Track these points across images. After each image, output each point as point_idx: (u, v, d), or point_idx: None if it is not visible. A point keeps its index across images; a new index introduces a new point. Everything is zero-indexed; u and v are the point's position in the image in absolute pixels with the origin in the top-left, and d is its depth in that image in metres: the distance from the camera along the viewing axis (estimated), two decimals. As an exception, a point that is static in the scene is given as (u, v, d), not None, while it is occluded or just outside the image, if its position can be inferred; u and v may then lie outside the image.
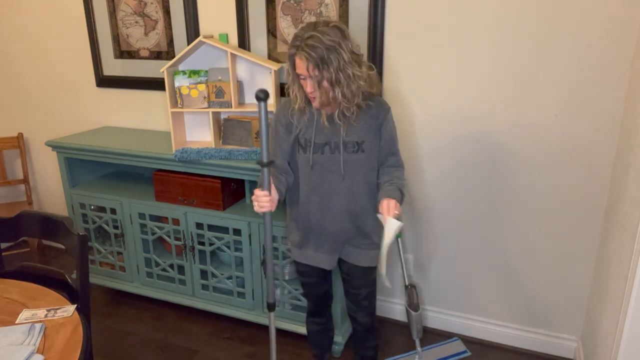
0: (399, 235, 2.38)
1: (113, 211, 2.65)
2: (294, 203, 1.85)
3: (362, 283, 1.88)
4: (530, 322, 2.37)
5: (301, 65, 1.56)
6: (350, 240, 1.82)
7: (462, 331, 2.51)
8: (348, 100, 1.60)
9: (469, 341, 2.46)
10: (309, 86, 1.59)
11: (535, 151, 2.12)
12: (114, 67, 2.87)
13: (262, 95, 1.47)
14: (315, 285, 1.96)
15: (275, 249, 2.35)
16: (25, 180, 3.28)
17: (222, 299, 2.56)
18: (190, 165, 2.37)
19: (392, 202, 1.63)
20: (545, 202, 2.17)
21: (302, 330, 2.39)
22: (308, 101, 1.69)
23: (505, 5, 2.00)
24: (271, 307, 1.74)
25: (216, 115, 2.41)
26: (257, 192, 1.60)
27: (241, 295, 2.51)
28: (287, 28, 2.39)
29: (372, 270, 1.89)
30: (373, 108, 1.70)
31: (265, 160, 1.52)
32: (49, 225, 1.83)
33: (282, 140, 1.76)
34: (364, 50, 2.25)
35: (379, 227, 1.74)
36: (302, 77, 1.60)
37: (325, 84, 1.57)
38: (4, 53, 3.19)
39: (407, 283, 2.39)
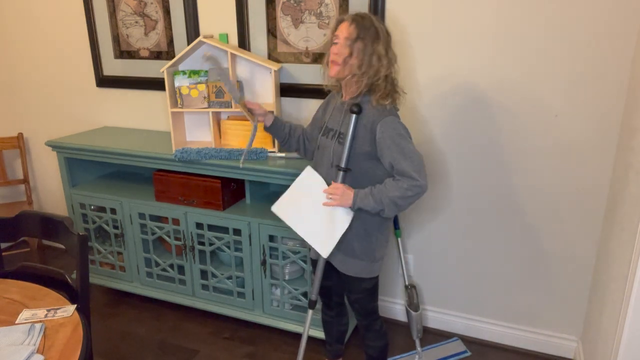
0: (398, 235, 2.39)
1: (113, 211, 2.65)
2: None
3: (350, 289, 1.89)
4: (530, 322, 2.37)
5: (345, 26, 1.66)
6: (339, 245, 1.78)
7: (462, 331, 2.51)
8: (362, 73, 1.66)
9: (469, 341, 2.46)
10: (337, 47, 1.67)
11: (535, 151, 2.12)
12: (114, 67, 2.88)
13: (356, 110, 1.68)
14: (319, 278, 1.93)
15: (275, 249, 2.35)
16: (25, 180, 3.28)
17: (222, 299, 2.56)
18: (190, 165, 2.37)
19: (340, 187, 1.70)
20: (545, 202, 2.17)
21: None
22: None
23: (505, 5, 2.00)
24: (312, 304, 1.93)
25: (216, 115, 2.41)
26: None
27: (241, 295, 2.51)
28: (287, 28, 2.39)
29: (361, 281, 1.83)
30: (373, 115, 1.68)
31: (343, 165, 1.72)
32: (49, 225, 1.83)
33: (317, 115, 1.98)
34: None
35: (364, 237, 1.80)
36: (335, 40, 1.69)
37: (354, 49, 1.65)
38: (4, 53, 3.19)
39: (407, 283, 2.40)
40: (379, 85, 1.68)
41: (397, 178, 1.64)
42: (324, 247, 1.77)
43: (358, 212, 1.74)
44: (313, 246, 1.80)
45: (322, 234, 1.76)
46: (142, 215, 2.59)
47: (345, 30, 1.66)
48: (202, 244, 2.52)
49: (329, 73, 1.74)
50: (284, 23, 2.39)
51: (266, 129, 2.02)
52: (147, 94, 2.85)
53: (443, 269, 2.46)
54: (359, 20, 1.66)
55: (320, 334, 2.31)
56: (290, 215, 1.83)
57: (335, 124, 1.79)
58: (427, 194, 2.36)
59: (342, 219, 1.74)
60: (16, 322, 1.43)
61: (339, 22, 1.70)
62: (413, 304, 2.33)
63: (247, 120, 2.40)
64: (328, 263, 1.89)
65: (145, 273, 2.70)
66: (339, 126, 1.77)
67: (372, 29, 1.65)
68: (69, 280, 1.76)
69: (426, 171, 1.66)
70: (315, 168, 1.85)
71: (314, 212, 1.77)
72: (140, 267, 2.70)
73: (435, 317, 2.55)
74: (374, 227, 1.78)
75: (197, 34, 2.58)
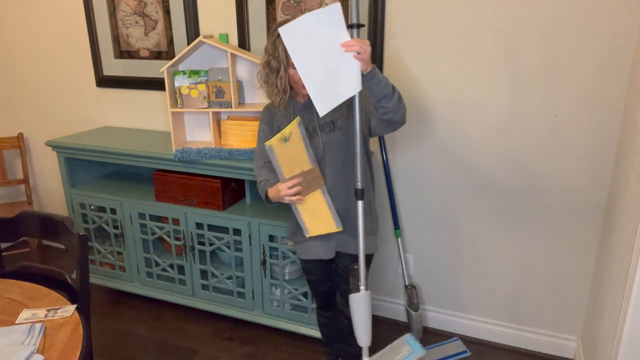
0: (398, 235, 2.39)
1: (113, 211, 2.65)
2: None
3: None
4: (530, 322, 2.37)
5: None
6: (346, 229, 1.82)
7: (462, 331, 2.51)
8: None
9: (469, 341, 2.46)
10: (296, 73, 1.60)
11: (535, 151, 2.12)
12: (114, 67, 2.87)
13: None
14: (319, 283, 1.98)
15: (275, 249, 2.35)
16: (25, 180, 3.28)
17: (222, 299, 2.56)
18: (190, 165, 2.37)
19: (366, 42, 1.50)
20: (545, 201, 2.17)
21: (303, 330, 2.39)
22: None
23: (505, 5, 2.00)
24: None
25: (216, 115, 2.42)
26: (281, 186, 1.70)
27: (241, 295, 2.51)
28: (287, 28, 2.39)
29: (366, 266, 1.89)
30: None
31: (359, 186, 1.64)
32: (49, 225, 1.83)
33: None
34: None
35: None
36: (294, 67, 1.61)
37: None
38: (4, 53, 3.19)
39: (407, 283, 2.40)
40: None
41: None
42: (324, 103, 1.55)
43: (369, 81, 1.55)
44: (313, 98, 1.54)
45: (326, 88, 1.55)
46: (142, 215, 2.59)
47: None
48: (202, 244, 2.52)
49: (304, 92, 1.68)
50: (284, 23, 2.39)
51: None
52: (147, 94, 2.85)
53: (443, 269, 2.46)
54: None
55: (319, 333, 2.30)
56: (298, 47, 1.52)
57: (306, 123, 1.75)
58: (427, 194, 2.37)
59: (351, 82, 1.52)
60: (16, 322, 1.43)
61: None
62: (413, 304, 2.33)
63: (247, 120, 2.40)
64: (325, 267, 1.89)
65: (145, 273, 2.70)
66: (314, 121, 1.75)
67: None
68: (69, 280, 1.76)
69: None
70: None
71: (326, 59, 1.51)
72: (140, 267, 2.70)
73: (435, 317, 2.55)
74: (372, 202, 1.89)
75: (197, 34, 2.58)
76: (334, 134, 1.75)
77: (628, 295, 1.58)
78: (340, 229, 1.79)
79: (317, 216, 1.78)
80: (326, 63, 1.52)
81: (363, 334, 1.70)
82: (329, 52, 1.51)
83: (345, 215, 1.81)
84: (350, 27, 1.52)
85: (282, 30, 1.50)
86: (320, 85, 1.54)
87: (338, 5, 1.48)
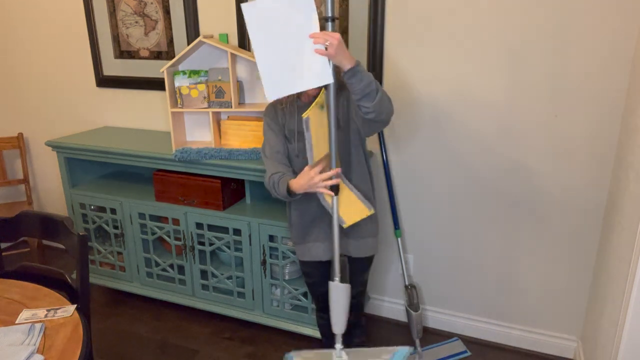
0: (398, 235, 2.39)
1: (113, 211, 2.65)
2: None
3: (354, 282, 1.89)
4: (530, 322, 2.37)
5: None
6: (347, 231, 1.81)
7: (462, 331, 2.51)
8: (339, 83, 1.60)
9: (469, 341, 2.46)
10: None
11: (535, 151, 2.12)
12: (114, 67, 2.87)
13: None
14: (318, 284, 1.96)
15: (275, 249, 2.35)
16: (25, 180, 3.28)
17: (222, 299, 2.56)
18: (190, 165, 2.37)
19: (337, 36, 1.43)
20: (545, 201, 2.17)
21: (303, 330, 2.39)
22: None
23: (505, 5, 2.00)
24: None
25: (216, 115, 2.41)
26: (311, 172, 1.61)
27: (241, 295, 2.51)
28: (287, 28, 2.39)
29: (366, 268, 1.92)
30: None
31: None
32: (49, 225, 1.83)
33: (275, 137, 1.79)
34: (363, 53, 2.26)
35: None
36: None
37: None
38: (4, 53, 3.19)
39: (407, 283, 2.40)
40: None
41: None
42: (275, 88, 1.49)
43: (350, 78, 1.48)
44: (263, 81, 1.48)
45: (283, 74, 1.48)
46: (142, 215, 2.59)
47: None
48: (202, 244, 2.52)
49: (312, 92, 1.68)
50: (284, 23, 2.39)
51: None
52: (147, 94, 2.85)
53: (443, 269, 2.46)
54: None
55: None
56: (258, 27, 1.45)
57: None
58: (427, 194, 2.37)
59: (315, 74, 1.45)
60: (16, 322, 1.43)
61: None
62: (413, 304, 2.33)
63: (247, 120, 2.40)
64: (324, 269, 1.89)
65: (145, 273, 2.70)
66: None
67: None
68: (69, 280, 1.77)
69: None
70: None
71: (289, 44, 1.44)
72: (140, 267, 2.70)
73: (435, 317, 2.55)
74: (374, 204, 1.86)
75: (197, 34, 2.58)
76: (337, 134, 1.73)
77: (628, 295, 1.58)
78: (373, 211, 1.75)
79: (346, 203, 1.71)
80: (288, 48, 1.44)
81: (339, 322, 1.71)
82: (294, 38, 1.44)
83: None
84: (325, 19, 1.47)
85: (244, 6, 1.42)
86: (275, 70, 1.47)
87: None
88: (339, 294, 1.69)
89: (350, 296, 1.91)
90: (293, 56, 1.45)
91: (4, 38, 3.15)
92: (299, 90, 1.54)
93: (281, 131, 1.79)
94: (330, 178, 1.60)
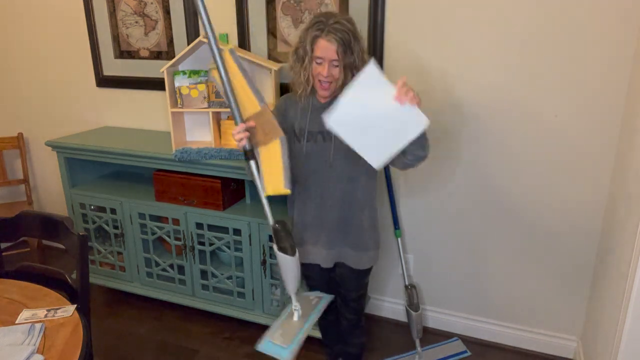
0: (398, 235, 2.39)
1: (113, 211, 2.65)
2: (291, 198, 1.86)
3: (354, 287, 1.90)
4: (530, 322, 2.37)
5: (329, 48, 1.55)
6: (349, 241, 1.81)
7: (462, 331, 2.51)
8: (352, 75, 1.59)
9: (469, 341, 2.46)
10: (325, 70, 1.58)
11: (535, 151, 2.12)
12: (114, 67, 2.87)
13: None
14: (317, 288, 1.96)
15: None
16: (25, 180, 3.28)
17: (222, 299, 2.56)
18: (190, 165, 2.37)
19: (410, 87, 1.49)
20: (545, 201, 2.17)
21: (302, 330, 2.39)
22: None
23: (505, 6, 2.00)
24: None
25: (216, 115, 2.41)
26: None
27: (241, 295, 2.51)
28: (287, 28, 2.39)
29: (365, 274, 1.89)
30: None
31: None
32: (49, 225, 1.83)
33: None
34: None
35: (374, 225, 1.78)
36: (318, 60, 1.59)
37: (345, 65, 1.58)
38: (4, 53, 3.19)
39: (407, 283, 2.40)
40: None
41: None
42: (380, 156, 1.56)
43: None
44: (365, 157, 1.55)
45: (381, 142, 1.55)
46: (142, 215, 2.59)
47: (329, 52, 1.56)
48: (202, 244, 2.52)
49: (322, 94, 1.66)
50: (284, 23, 2.39)
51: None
52: (147, 94, 2.85)
53: (443, 269, 2.46)
54: (338, 37, 1.54)
55: (319, 333, 2.31)
56: (348, 127, 1.54)
57: (321, 125, 1.63)
58: (427, 194, 2.37)
59: (413, 123, 1.52)
60: (16, 322, 1.43)
61: (315, 37, 1.57)
62: (413, 304, 2.33)
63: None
64: (324, 272, 1.89)
65: (145, 273, 2.70)
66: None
67: (351, 36, 1.56)
68: (69, 280, 1.77)
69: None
70: (309, 176, 1.75)
71: (378, 117, 1.52)
72: (140, 267, 2.70)
73: (435, 317, 2.55)
74: (377, 216, 1.85)
75: (197, 34, 2.58)
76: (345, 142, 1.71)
77: (628, 295, 1.58)
78: (289, 191, 1.60)
79: (272, 172, 1.61)
80: (379, 120, 1.52)
81: (290, 284, 1.67)
82: (380, 109, 1.51)
83: (345, 227, 1.79)
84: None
85: (330, 121, 1.52)
86: (371, 143, 1.55)
87: (372, 62, 1.48)
88: (287, 264, 1.63)
89: (351, 299, 1.92)
90: (384, 123, 1.52)
91: (4, 38, 3.15)
92: (402, 147, 1.55)
93: (281, 125, 1.72)
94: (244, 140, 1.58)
